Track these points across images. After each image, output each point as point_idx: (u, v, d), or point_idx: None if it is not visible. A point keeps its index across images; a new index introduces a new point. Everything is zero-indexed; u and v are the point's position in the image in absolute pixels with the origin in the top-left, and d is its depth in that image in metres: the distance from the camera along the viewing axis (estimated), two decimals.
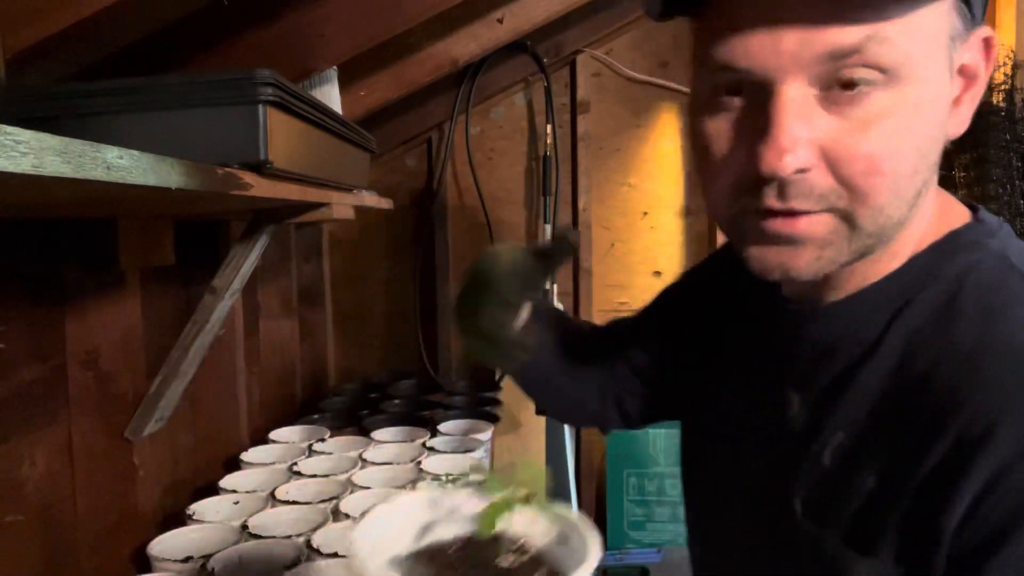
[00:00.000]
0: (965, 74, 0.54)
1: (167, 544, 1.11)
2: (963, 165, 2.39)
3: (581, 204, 2.53)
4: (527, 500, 0.44)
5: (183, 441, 1.45)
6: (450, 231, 2.53)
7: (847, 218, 0.51)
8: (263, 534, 1.13)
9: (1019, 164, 2.32)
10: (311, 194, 1.03)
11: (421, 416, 1.89)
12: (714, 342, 0.76)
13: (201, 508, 1.25)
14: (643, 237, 2.60)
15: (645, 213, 2.59)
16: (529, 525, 0.44)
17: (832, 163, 0.50)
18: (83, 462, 1.12)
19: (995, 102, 2.33)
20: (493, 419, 1.87)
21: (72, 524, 1.11)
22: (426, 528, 0.45)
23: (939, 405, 0.50)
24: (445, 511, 0.46)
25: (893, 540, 0.51)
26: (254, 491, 1.31)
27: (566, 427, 2.38)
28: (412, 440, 1.60)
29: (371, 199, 1.63)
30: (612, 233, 2.56)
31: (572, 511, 0.47)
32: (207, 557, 1.07)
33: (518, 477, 0.46)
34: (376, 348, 2.61)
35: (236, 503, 1.28)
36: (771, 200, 0.51)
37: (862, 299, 0.58)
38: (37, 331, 1.05)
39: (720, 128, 0.53)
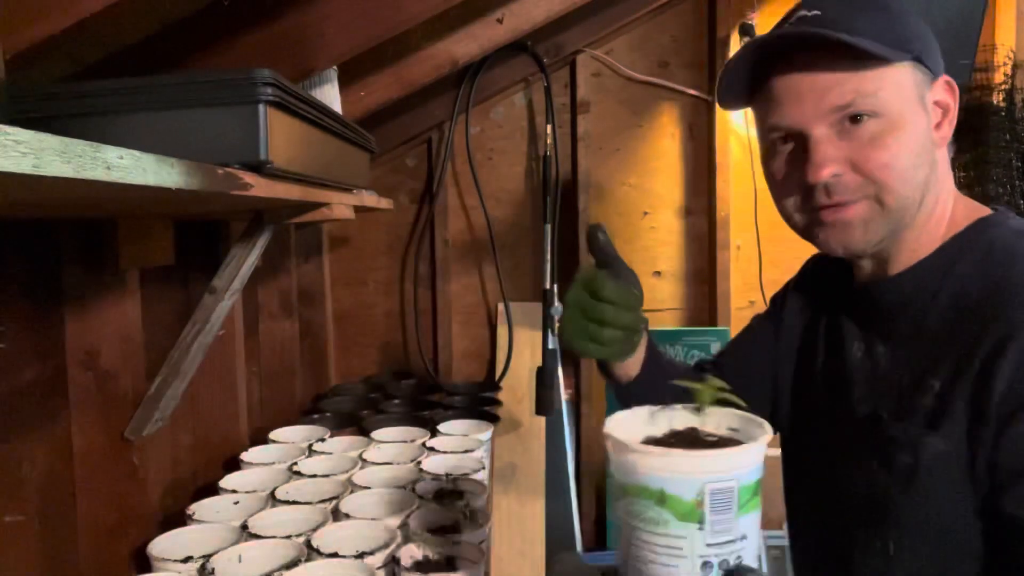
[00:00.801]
0: (940, 106, 0.81)
1: (167, 544, 1.11)
2: (963, 165, 2.39)
3: (581, 204, 2.53)
4: (722, 391, 0.64)
5: (183, 441, 1.45)
6: (450, 231, 2.53)
7: (878, 200, 0.78)
8: (263, 534, 1.13)
9: (1019, 164, 2.32)
10: (311, 194, 1.03)
11: (421, 416, 1.89)
12: (806, 338, 0.99)
13: (201, 508, 1.25)
14: (643, 237, 2.60)
15: (645, 213, 2.59)
16: (721, 422, 0.63)
17: (856, 167, 0.77)
18: (83, 462, 1.12)
19: (995, 102, 2.33)
20: (493, 419, 1.87)
21: (72, 524, 1.11)
22: (648, 425, 0.65)
23: (983, 321, 0.74)
24: (660, 419, 0.66)
25: (959, 418, 0.73)
26: (254, 491, 1.31)
27: (566, 427, 2.39)
28: (412, 440, 1.60)
29: (371, 199, 1.63)
30: (612, 233, 2.56)
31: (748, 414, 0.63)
32: (207, 557, 1.07)
33: (712, 383, 0.66)
34: (376, 348, 2.61)
35: (236, 503, 1.28)
36: (822, 198, 0.79)
37: (920, 267, 0.83)
38: (37, 331, 1.05)
39: (780, 165, 0.83)
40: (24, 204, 0.73)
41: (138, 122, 0.77)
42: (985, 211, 0.84)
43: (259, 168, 0.79)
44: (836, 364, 0.91)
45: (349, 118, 1.28)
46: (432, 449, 1.55)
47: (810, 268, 1.07)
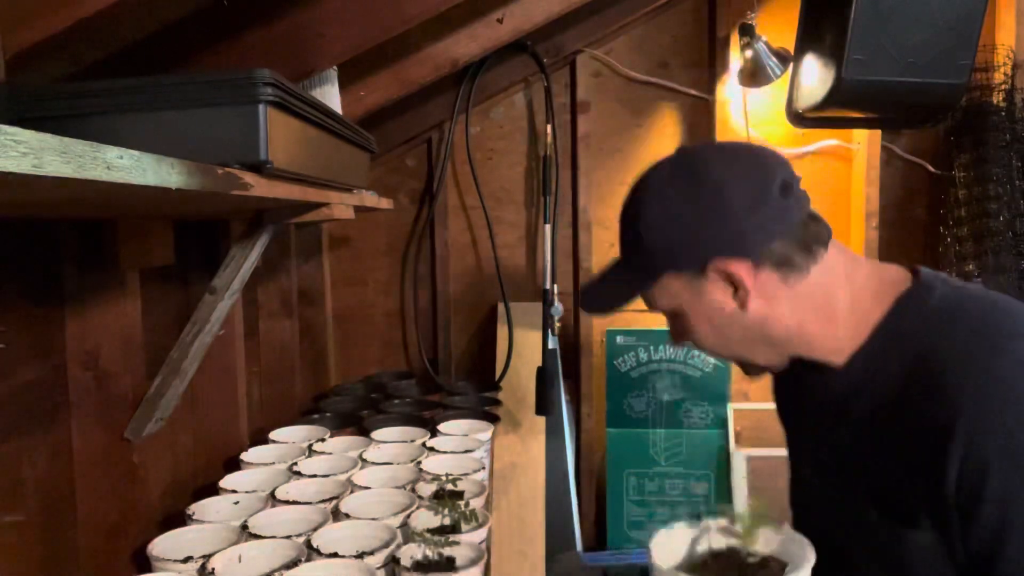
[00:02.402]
0: (731, 282, 0.84)
1: (167, 544, 1.11)
2: (963, 165, 2.39)
3: (581, 204, 2.53)
4: (763, 521, 0.68)
5: (183, 441, 1.45)
6: (450, 231, 2.53)
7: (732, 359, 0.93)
8: (263, 534, 1.13)
9: (1019, 164, 2.32)
10: (311, 194, 1.03)
11: (421, 416, 1.89)
12: (789, 417, 1.06)
13: (201, 508, 1.25)
14: None
15: None
16: (761, 542, 0.67)
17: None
18: (83, 462, 1.12)
19: (995, 102, 2.33)
20: (493, 419, 1.87)
21: (72, 524, 1.11)
22: (689, 544, 0.69)
23: (916, 422, 0.77)
24: (702, 538, 0.71)
25: (927, 512, 0.76)
26: (254, 491, 1.31)
27: (566, 427, 2.38)
28: (412, 440, 1.60)
29: (371, 199, 1.63)
30: (612, 233, 2.56)
31: (789, 529, 0.68)
32: (207, 557, 1.07)
33: (755, 507, 0.69)
34: (376, 348, 2.61)
35: (236, 503, 1.28)
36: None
37: (850, 368, 0.86)
38: (37, 331, 1.05)
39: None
40: (24, 204, 0.73)
41: (138, 122, 0.77)
42: (903, 286, 0.86)
43: (259, 168, 0.79)
44: (814, 445, 0.95)
45: (349, 118, 1.28)
46: (432, 449, 1.55)
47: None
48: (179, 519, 1.23)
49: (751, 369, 0.93)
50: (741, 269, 0.82)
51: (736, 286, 0.84)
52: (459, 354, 2.58)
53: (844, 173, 2.54)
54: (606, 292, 0.93)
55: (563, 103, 2.52)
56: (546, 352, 2.22)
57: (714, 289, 0.85)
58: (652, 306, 0.90)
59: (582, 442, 2.59)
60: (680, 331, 0.91)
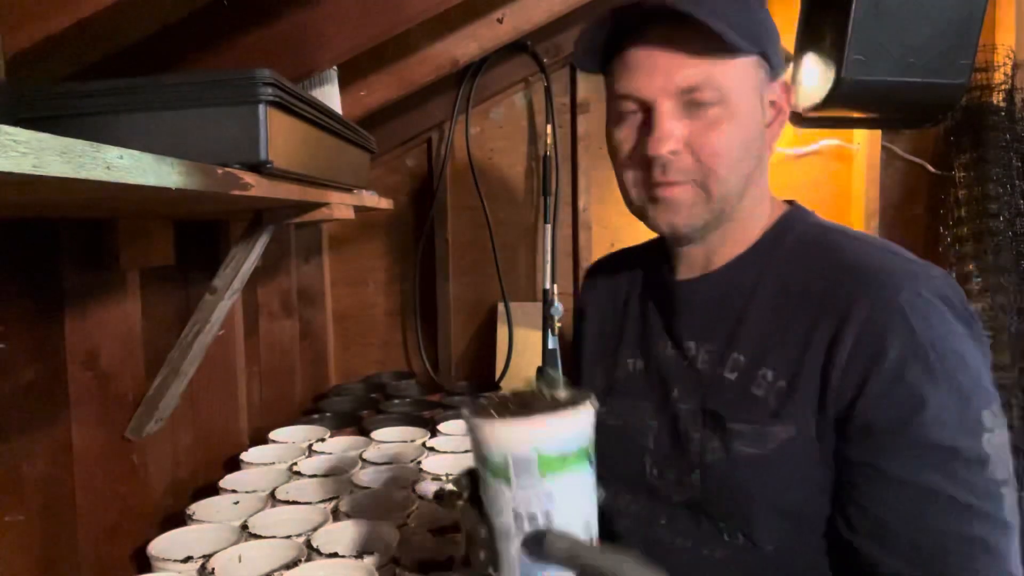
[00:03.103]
0: (775, 106, 0.83)
1: (167, 544, 1.11)
2: (963, 165, 2.39)
3: (581, 204, 2.53)
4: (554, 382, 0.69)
5: (183, 441, 1.45)
6: (450, 231, 2.53)
7: (703, 187, 0.79)
8: (263, 534, 1.13)
9: (1019, 164, 2.32)
10: (311, 194, 1.03)
11: (421, 416, 1.89)
12: (603, 343, 0.98)
13: (201, 508, 1.25)
14: (643, 237, 2.57)
15: None
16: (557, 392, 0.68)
17: (692, 150, 0.78)
18: (83, 462, 1.12)
19: (995, 102, 2.33)
20: None
21: (72, 524, 1.11)
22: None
23: (811, 311, 0.76)
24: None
25: (801, 403, 0.74)
26: (254, 491, 1.31)
27: None
28: (412, 440, 1.60)
29: (371, 199, 1.63)
30: (612, 233, 2.56)
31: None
32: (207, 557, 1.07)
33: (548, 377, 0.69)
34: (376, 348, 2.60)
35: (236, 503, 1.28)
36: (657, 175, 0.79)
37: (737, 263, 0.84)
38: (37, 331, 1.05)
39: (625, 134, 0.82)
40: (24, 204, 0.73)
41: (138, 122, 0.77)
42: (784, 205, 0.87)
43: (259, 168, 0.79)
44: (643, 364, 0.91)
45: (349, 118, 1.28)
46: (432, 449, 1.55)
47: (599, 271, 1.07)
48: (179, 519, 1.23)
49: (669, 216, 0.81)
50: (790, 101, 0.83)
51: (779, 112, 0.83)
52: (459, 354, 2.58)
53: (844, 173, 2.54)
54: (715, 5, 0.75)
55: (563, 103, 2.52)
56: (546, 352, 2.22)
57: (767, 97, 0.81)
58: (699, 81, 0.76)
59: None
60: (678, 130, 0.77)
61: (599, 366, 0.97)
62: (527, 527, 0.61)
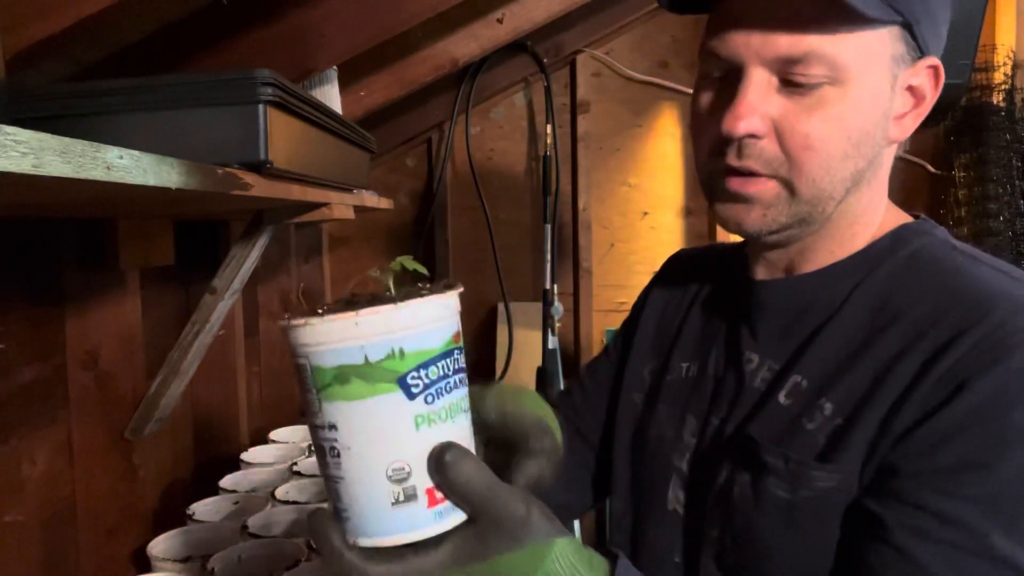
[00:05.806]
0: (914, 94, 0.66)
1: (167, 544, 1.11)
2: (963, 165, 2.39)
3: (581, 204, 2.53)
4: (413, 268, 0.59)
5: (183, 441, 1.45)
6: (450, 231, 2.53)
7: (788, 185, 0.64)
8: (263, 534, 1.13)
9: (1019, 164, 2.32)
10: (311, 194, 1.03)
11: None
12: (658, 341, 0.86)
13: (201, 508, 1.25)
14: (643, 237, 2.60)
15: (645, 213, 2.59)
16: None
17: (779, 136, 0.62)
18: (83, 462, 1.12)
19: (995, 102, 2.33)
20: None
21: (72, 524, 1.11)
22: None
23: (902, 341, 0.61)
24: None
25: (856, 449, 0.60)
26: (254, 491, 1.31)
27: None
28: None
29: (371, 199, 1.63)
30: (612, 233, 2.56)
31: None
32: (207, 557, 1.06)
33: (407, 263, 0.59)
34: None
35: (236, 503, 1.28)
36: (731, 158, 0.64)
37: (828, 272, 0.69)
38: (37, 331, 1.05)
39: (706, 100, 0.67)
40: (24, 204, 0.73)
41: (138, 122, 0.77)
42: (908, 218, 0.73)
43: (259, 168, 0.79)
44: (696, 371, 0.77)
45: (349, 118, 1.28)
46: None
47: (676, 263, 0.93)
48: (179, 519, 1.23)
49: (744, 212, 0.67)
50: (939, 88, 0.66)
51: (918, 102, 0.66)
52: None
53: None
54: None
55: (563, 103, 2.52)
56: (546, 352, 2.23)
57: (903, 81, 0.64)
58: (806, 53, 0.60)
59: None
60: (766, 107, 0.62)
61: (647, 366, 0.85)
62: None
